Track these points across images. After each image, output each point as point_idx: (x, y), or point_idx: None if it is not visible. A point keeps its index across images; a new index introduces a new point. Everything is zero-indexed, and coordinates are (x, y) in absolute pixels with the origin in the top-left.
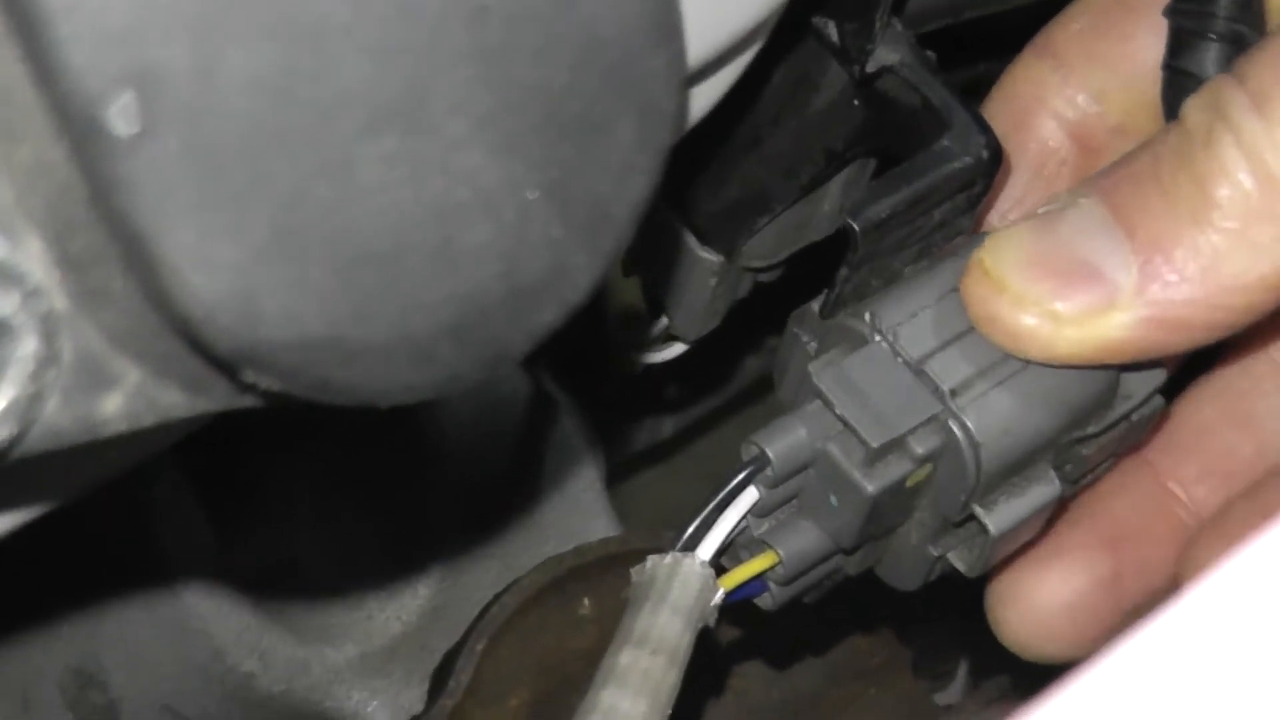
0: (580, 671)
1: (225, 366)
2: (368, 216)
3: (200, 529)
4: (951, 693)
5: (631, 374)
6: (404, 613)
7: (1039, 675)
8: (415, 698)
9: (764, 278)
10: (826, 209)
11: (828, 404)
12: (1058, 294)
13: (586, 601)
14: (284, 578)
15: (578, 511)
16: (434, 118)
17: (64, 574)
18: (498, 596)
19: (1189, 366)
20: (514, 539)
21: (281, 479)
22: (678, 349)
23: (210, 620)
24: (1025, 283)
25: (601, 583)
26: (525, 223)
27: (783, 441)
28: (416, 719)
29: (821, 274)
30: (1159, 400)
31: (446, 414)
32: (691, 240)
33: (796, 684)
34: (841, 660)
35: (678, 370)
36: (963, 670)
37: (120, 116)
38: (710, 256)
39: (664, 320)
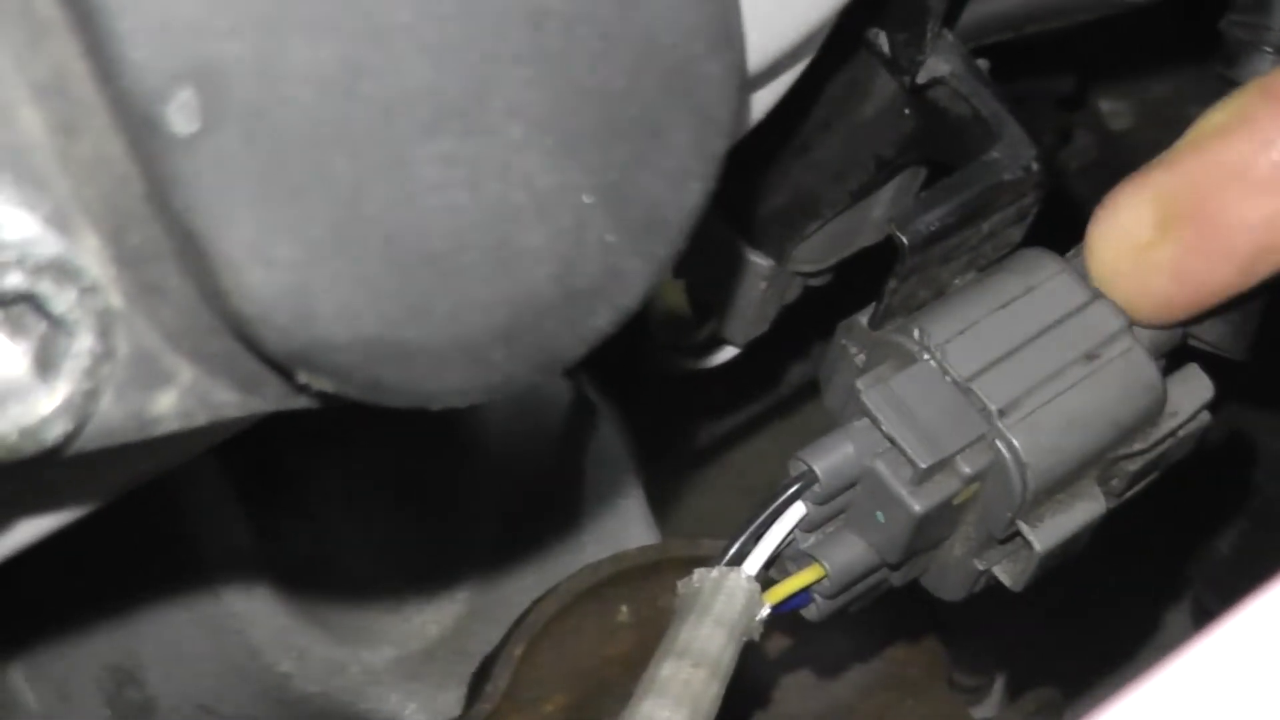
0: (617, 678)
1: (279, 366)
2: (425, 217)
3: (239, 528)
4: (988, 706)
5: (675, 378)
6: (442, 616)
7: (1077, 690)
8: (452, 701)
9: (814, 282)
10: (877, 215)
11: (875, 422)
12: None
13: (624, 608)
14: (322, 577)
15: (616, 518)
16: (492, 119)
17: (103, 571)
18: (536, 602)
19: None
20: (552, 545)
21: (321, 478)
22: (729, 353)
23: (248, 619)
24: None
25: (640, 590)
26: (580, 226)
27: (830, 459)
28: None
29: (872, 279)
30: (1205, 416)
31: (487, 418)
32: (742, 244)
33: (833, 694)
34: (879, 671)
35: (722, 375)
36: (999, 684)
37: (179, 113)
38: (761, 260)
39: (710, 324)
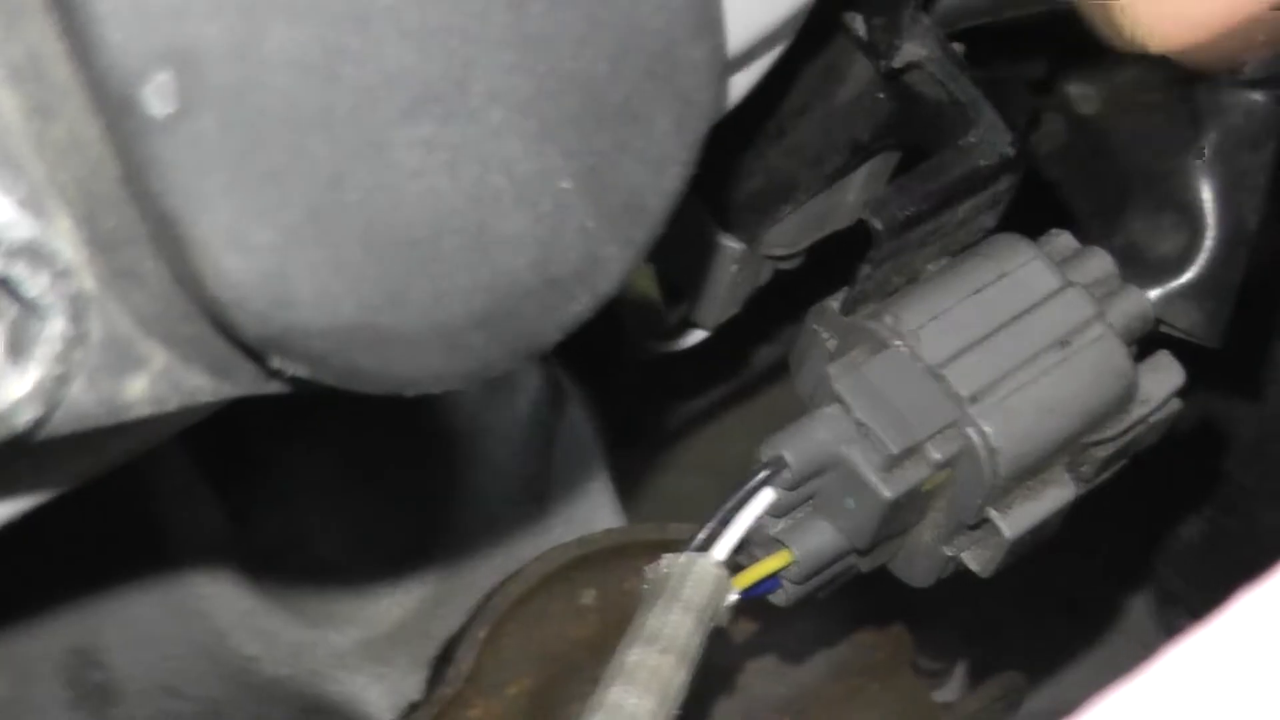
0: (582, 661)
1: (254, 351)
2: (403, 202)
3: (207, 511)
4: (950, 690)
5: (644, 361)
6: (407, 599)
7: (1037, 676)
8: (416, 684)
9: (785, 266)
10: (850, 199)
11: (847, 408)
12: None
13: (590, 592)
14: (290, 560)
15: (584, 501)
16: (472, 104)
17: (66, 553)
18: (501, 585)
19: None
20: (519, 528)
21: (290, 461)
22: (698, 336)
23: (215, 602)
24: None
25: (606, 573)
26: (560, 212)
27: (801, 445)
28: (416, 705)
29: (844, 264)
30: (1176, 403)
31: (457, 401)
32: (714, 227)
33: (800, 679)
34: (845, 655)
35: (692, 358)
36: (962, 668)
37: (156, 95)
38: (733, 244)
39: (680, 307)
